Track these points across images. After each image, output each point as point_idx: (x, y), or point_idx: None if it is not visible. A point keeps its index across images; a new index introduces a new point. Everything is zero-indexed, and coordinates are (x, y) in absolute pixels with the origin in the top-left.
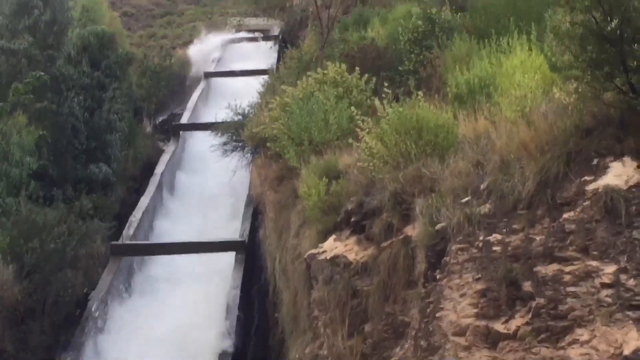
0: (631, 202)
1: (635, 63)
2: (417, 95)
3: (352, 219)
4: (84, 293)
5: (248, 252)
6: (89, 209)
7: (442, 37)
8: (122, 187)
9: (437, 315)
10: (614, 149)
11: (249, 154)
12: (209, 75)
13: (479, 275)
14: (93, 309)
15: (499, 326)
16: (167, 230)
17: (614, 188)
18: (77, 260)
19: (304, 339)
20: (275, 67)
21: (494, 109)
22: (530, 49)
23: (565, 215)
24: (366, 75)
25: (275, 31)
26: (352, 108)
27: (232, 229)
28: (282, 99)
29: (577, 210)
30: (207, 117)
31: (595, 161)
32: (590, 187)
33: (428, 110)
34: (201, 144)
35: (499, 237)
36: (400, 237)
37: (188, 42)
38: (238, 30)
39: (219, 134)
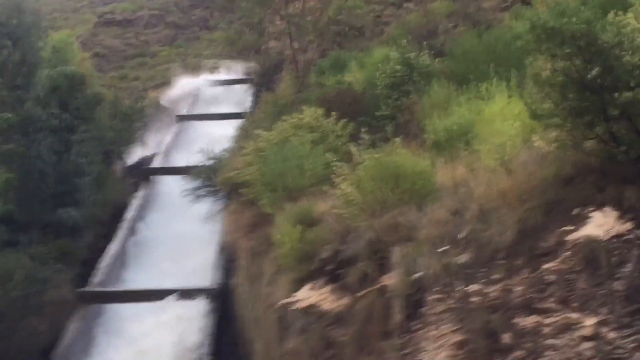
0: (612, 253)
1: (616, 112)
2: (395, 141)
3: (327, 268)
4: (50, 341)
5: (219, 300)
6: (56, 254)
7: (421, 82)
8: (90, 232)
9: None
10: (594, 199)
11: (222, 200)
12: (182, 118)
13: (457, 327)
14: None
15: None
16: (137, 277)
17: (594, 238)
18: (42, 307)
19: None
20: (250, 110)
21: (472, 156)
22: (510, 96)
23: (545, 266)
24: (343, 120)
25: (251, 75)
26: (328, 154)
27: (204, 276)
28: (257, 143)
29: (557, 260)
30: (180, 161)
31: (575, 211)
32: (570, 238)
33: (406, 157)
34: (173, 188)
35: (477, 287)
36: (377, 286)
37: (161, 84)
38: (213, 73)
39: (192, 179)
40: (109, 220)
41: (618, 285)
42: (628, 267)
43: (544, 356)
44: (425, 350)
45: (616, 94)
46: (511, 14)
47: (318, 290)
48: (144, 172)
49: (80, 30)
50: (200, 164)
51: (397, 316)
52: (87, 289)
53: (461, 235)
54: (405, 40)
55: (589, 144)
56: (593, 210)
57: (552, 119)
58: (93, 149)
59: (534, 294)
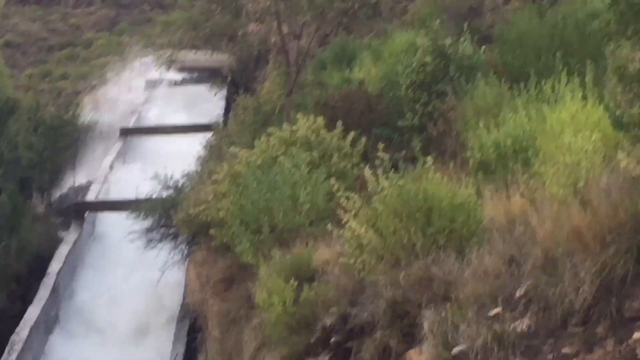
0: None
1: None
2: (425, 162)
3: (332, 339)
4: None
5: None
6: None
7: (460, 79)
8: (0, 292)
9: None
10: None
11: (184, 246)
12: (127, 132)
13: None
14: None
15: None
16: (65, 355)
17: None
18: None
19: None
20: (222, 120)
21: (534, 182)
22: (584, 97)
23: (636, 335)
24: (352, 133)
25: (223, 70)
26: (332, 180)
27: (159, 355)
28: (232, 166)
29: None
30: (125, 192)
31: None
32: None
33: (441, 184)
34: (115, 230)
35: None
36: None
37: (98, 85)
38: (169, 69)
39: (142, 217)
40: (27, 274)
41: None
42: None
43: None
44: None
45: None
46: None
47: None
48: (76, 208)
49: None
50: (154, 195)
51: None
52: None
53: (519, 292)
54: (438, 21)
55: None
56: None
57: None
58: (4, 176)
59: None
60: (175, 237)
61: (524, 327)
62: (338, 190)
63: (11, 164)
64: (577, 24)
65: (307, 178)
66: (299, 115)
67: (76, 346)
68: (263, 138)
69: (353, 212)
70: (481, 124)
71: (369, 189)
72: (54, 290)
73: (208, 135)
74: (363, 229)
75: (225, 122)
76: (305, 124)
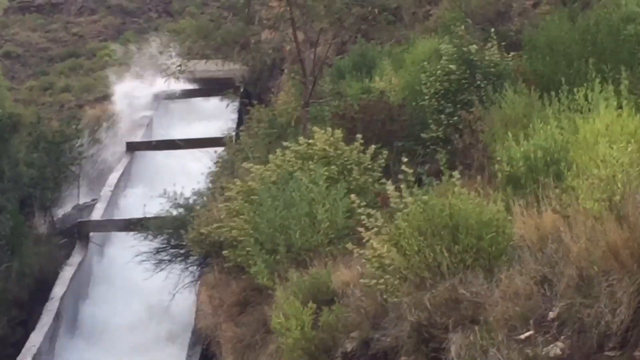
0: None
1: None
2: (451, 176)
3: None
4: None
5: None
6: None
7: (487, 88)
8: (1, 318)
9: None
10: None
11: (195, 267)
12: (134, 147)
13: None
14: None
15: None
16: None
17: None
18: None
19: None
20: (234, 134)
21: (566, 196)
22: (620, 106)
23: None
24: (373, 146)
25: (235, 81)
26: (352, 196)
27: None
28: (246, 183)
29: None
30: (131, 210)
31: None
32: None
33: (467, 200)
34: (122, 251)
35: None
36: None
37: (102, 98)
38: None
39: (150, 237)
40: (29, 299)
41: None
42: None
43: None
44: None
45: None
46: None
47: None
48: (80, 228)
49: None
50: (163, 214)
51: None
52: None
53: (552, 314)
54: (463, 27)
55: None
56: None
57: None
58: (4, 195)
59: None
60: (186, 258)
61: (557, 351)
62: (358, 206)
63: (11, 181)
64: (611, 29)
65: (325, 194)
66: (316, 128)
67: None
68: (278, 152)
69: (374, 230)
70: (510, 135)
71: (391, 205)
72: (58, 316)
73: (219, 149)
74: (385, 248)
75: (237, 135)
76: (322, 137)
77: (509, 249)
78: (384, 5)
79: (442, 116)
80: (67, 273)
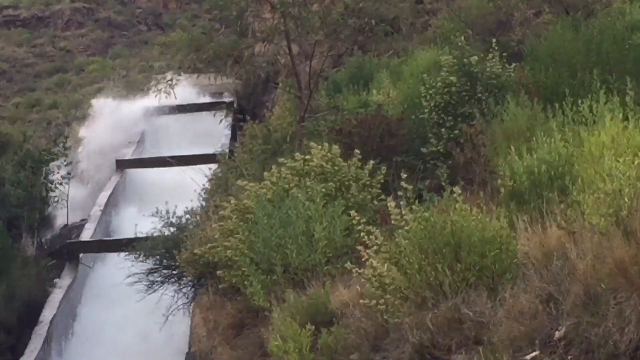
0: None
1: None
2: (453, 192)
3: None
4: None
5: None
6: None
7: (489, 100)
8: None
9: None
10: None
11: (188, 289)
12: (124, 164)
13: None
14: None
15: None
16: None
17: None
18: None
19: None
20: (227, 150)
21: (572, 212)
22: (626, 118)
23: None
24: (371, 162)
25: (228, 95)
26: (351, 213)
27: None
28: (240, 201)
29: None
30: (123, 230)
31: None
32: None
33: (469, 216)
34: (113, 272)
35: None
36: None
37: (91, 115)
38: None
39: (142, 258)
40: (17, 323)
41: None
42: None
43: None
44: None
45: None
46: None
47: None
48: (69, 249)
49: None
50: (154, 234)
51: None
52: None
53: (559, 333)
54: (462, 38)
55: None
56: None
57: None
58: None
59: None
60: (179, 279)
61: None
62: (357, 224)
63: None
64: (616, 38)
65: (322, 212)
66: (313, 144)
67: None
68: (273, 169)
69: (374, 248)
70: (512, 149)
71: (391, 223)
72: (47, 340)
73: (213, 166)
74: (385, 267)
75: (231, 152)
76: (319, 153)
77: (513, 266)
78: (381, 16)
79: (443, 130)
80: (56, 296)
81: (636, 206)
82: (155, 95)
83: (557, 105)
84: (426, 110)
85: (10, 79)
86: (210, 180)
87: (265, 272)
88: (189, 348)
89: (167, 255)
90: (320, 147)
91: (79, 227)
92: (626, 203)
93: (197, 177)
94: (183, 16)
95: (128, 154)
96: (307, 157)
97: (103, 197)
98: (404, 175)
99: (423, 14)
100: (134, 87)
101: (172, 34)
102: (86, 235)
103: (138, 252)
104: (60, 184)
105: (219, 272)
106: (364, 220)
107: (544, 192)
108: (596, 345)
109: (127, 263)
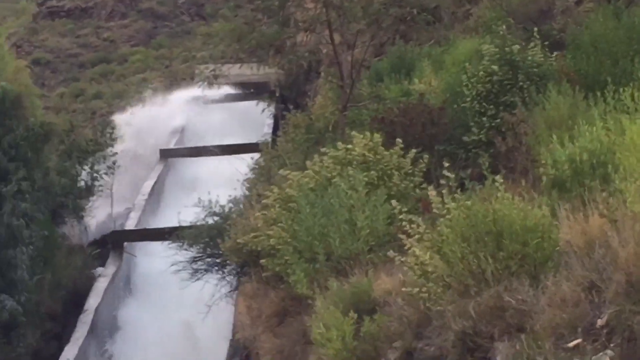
0: None
1: None
2: (494, 180)
3: None
4: None
5: None
6: None
7: (530, 89)
8: (34, 331)
9: None
10: None
11: (232, 277)
12: (167, 154)
13: None
14: None
15: None
16: None
17: None
18: None
19: None
20: (270, 140)
21: (614, 200)
22: None
23: None
24: (413, 151)
25: (270, 85)
26: (393, 202)
27: None
28: (283, 190)
29: None
30: (166, 219)
31: None
32: None
33: (511, 205)
34: (157, 261)
35: None
36: None
37: (135, 104)
38: (211, 85)
39: (185, 246)
40: (63, 311)
41: None
42: None
43: None
44: None
45: None
46: None
47: None
48: (114, 238)
49: (13, 25)
50: (198, 222)
51: None
52: None
53: (601, 321)
54: (504, 27)
55: None
56: None
57: None
58: (36, 204)
59: None
60: (222, 267)
61: (607, 359)
62: (399, 213)
63: (43, 192)
64: None
65: (365, 201)
66: (355, 133)
67: None
68: (316, 158)
69: (416, 237)
70: (554, 138)
71: (433, 211)
72: (92, 328)
73: (255, 156)
74: (428, 255)
75: (274, 141)
76: (361, 142)
77: (555, 254)
78: (423, 5)
79: (484, 119)
80: (101, 284)
81: None
82: (199, 86)
83: (598, 93)
84: (468, 99)
85: (54, 70)
86: (253, 169)
87: (308, 260)
88: (233, 336)
89: (211, 243)
90: (362, 136)
91: (124, 215)
92: None
93: (240, 167)
94: (225, 6)
95: (171, 143)
96: (350, 146)
97: (147, 186)
98: (446, 164)
99: (464, 3)
100: (176, 77)
101: (214, 24)
102: (130, 224)
103: (182, 241)
104: (106, 173)
105: (262, 261)
106: (406, 209)
107: (585, 180)
108: (639, 333)
109: (170, 252)
